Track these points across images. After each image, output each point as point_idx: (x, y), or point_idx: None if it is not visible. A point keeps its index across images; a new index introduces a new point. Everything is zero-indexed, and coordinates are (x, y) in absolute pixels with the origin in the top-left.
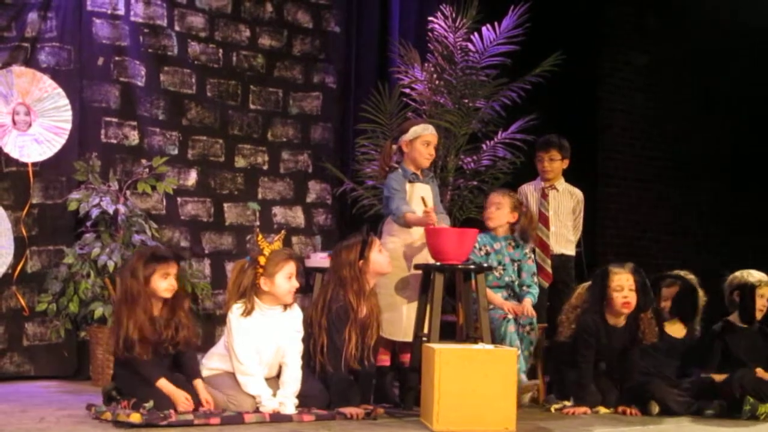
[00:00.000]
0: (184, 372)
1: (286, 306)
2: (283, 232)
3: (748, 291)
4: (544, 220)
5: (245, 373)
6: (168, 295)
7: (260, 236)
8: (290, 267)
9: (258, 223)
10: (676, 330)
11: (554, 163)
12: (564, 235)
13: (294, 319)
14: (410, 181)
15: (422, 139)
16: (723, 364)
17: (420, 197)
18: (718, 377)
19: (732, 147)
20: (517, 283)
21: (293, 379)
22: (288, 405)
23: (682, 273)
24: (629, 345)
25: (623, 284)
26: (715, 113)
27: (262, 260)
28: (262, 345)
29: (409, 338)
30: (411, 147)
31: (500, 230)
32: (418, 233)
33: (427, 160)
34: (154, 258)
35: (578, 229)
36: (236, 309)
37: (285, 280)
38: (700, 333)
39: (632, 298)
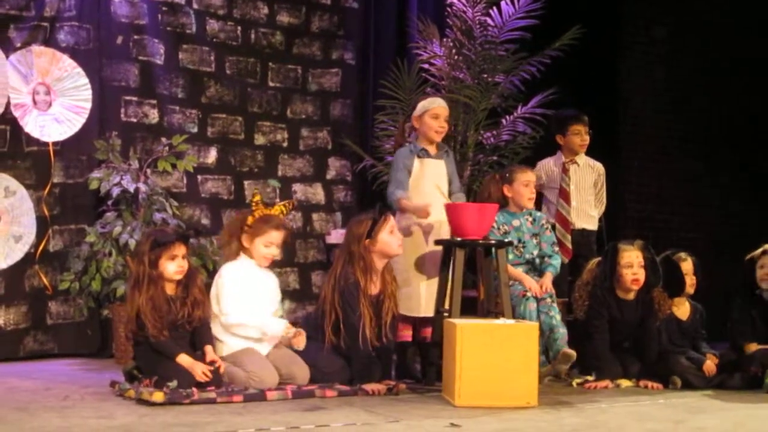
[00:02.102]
0: (198, 343)
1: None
2: (290, 202)
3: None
4: (565, 195)
5: (237, 321)
6: (178, 277)
7: (258, 197)
8: (272, 236)
9: (278, 200)
10: (682, 312)
11: (587, 134)
12: (585, 210)
13: (273, 281)
14: (419, 157)
15: (431, 112)
16: (753, 337)
17: (435, 184)
18: (753, 347)
19: (754, 119)
20: (537, 255)
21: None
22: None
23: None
24: (645, 318)
25: (633, 261)
26: (736, 86)
27: (250, 220)
28: (247, 295)
29: (428, 314)
30: (421, 122)
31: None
32: (433, 211)
33: (437, 134)
34: (157, 243)
35: (602, 202)
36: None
37: (262, 245)
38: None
39: (641, 275)
